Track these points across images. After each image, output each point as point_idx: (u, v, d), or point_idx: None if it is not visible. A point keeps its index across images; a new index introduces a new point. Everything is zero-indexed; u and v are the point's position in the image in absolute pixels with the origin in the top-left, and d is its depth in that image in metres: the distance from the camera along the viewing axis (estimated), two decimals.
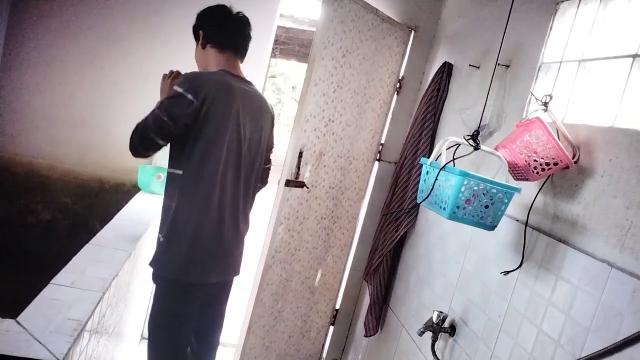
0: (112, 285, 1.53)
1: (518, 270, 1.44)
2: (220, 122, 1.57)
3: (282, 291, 2.53)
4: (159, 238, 1.63)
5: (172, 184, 1.61)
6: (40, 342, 1.09)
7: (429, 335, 1.78)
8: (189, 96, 1.51)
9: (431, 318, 1.77)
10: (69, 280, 1.42)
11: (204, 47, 1.70)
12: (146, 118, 1.54)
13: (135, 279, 2.03)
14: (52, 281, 1.40)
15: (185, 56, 2.66)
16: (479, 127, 1.62)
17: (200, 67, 1.74)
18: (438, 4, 2.61)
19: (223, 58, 1.70)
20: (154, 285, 1.67)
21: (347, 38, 2.32)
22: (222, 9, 1.70)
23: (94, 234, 1.85)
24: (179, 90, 1.52)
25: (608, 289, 1.12)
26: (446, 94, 2.28)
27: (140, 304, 2.43)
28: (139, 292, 2.24)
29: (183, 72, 1.64)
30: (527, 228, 1.43)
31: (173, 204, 1.59)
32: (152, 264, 1.64)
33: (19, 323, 1.14)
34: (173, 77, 1.68)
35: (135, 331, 2.54)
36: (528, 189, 1.46)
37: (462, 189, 1.29)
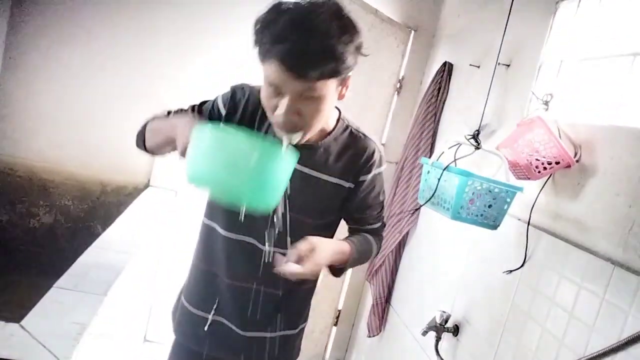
0: (115, 287, 1.53)
1: (520, 269, 1.44)
2: None
3: None
4: (296, 333, 1.32)
5: None
6: (44, 346, 1.09)
7: (432, 335, 1.78)
8: None
9: (434, 318, 1.77)
10: (72, 283, 1.42)
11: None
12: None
13: (138, 281, 2.03)
14: (55, 284, 1.40)
15: (188, 58, 2.68)
16: (479, 127, 1.62)
17: (321, 125, 1.04)
18: (438, 3, 2.61)
19: None
20: None
21: None
22: None
23: (97, 237, 1.85)
24: None
25: (611, 287, 1.11)
26: (446, 94, 2.28)
27: (142, 306, 2.43)
28: (141, 294, 2.24)
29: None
30: (530, 227, 1.43)
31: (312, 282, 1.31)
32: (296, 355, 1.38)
33: (22, 327, 1.14)
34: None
35: (139, 333, 2.54)
36: (530, 188, 1.46)
37: (466, 190, 1.29)
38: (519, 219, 1.51)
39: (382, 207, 1.28)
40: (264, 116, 1.07)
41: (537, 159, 1.34)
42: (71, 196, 2.77)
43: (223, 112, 1.13)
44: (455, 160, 1.58)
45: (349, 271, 2.81)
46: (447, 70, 2.28)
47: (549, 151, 1.30)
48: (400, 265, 2.44)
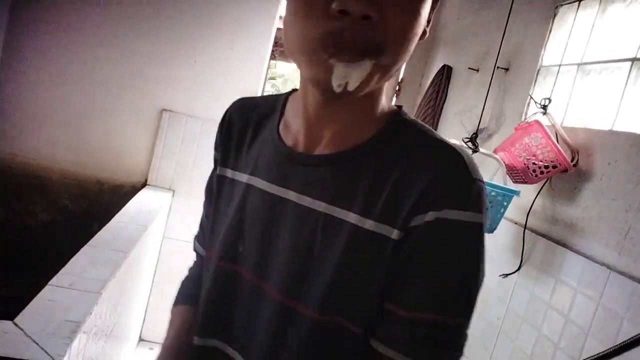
0: (110, 286, 1.52)
1: (517, 273, 1.44)
2: None
3: None
4: None
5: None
6: (37, 344, 1.08)
7: None
8: None
9: None
10: (67, 281, 1.42)
11: None
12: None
13: (134, 280, 2.02)
14: (50, 282, 1.39)
15: (187, 58, 2.68)
16: (477, 130, 1.62)
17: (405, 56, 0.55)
18: (437, 6, 2.61)
19: None
20: None
21: None
22: None
23: (93, 236, 1.84)
24: None
25: (607, 292, 1.11)
26: (445, 97, 2.29)
27: (138, 306, 2.43)
28: (137, 293, 2.23)
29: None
30: (526, 231, 1.43)
31: None
32: None
33: (16, 325, 1.14)
34: None
35: (134, 333, 2.53)
36: (527, 192, 1.46)
37: None
38: (516, 223, 1.51)
39: (459, 314, 0.52)
40: (274, 115, 0.65)
41: (534, 163, 1.34)
42: (68, 194, 2.76)
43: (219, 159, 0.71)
44: None
45: None
46: (446, 73, 2.28)
47: (546, 155, 1.30)
48: None
